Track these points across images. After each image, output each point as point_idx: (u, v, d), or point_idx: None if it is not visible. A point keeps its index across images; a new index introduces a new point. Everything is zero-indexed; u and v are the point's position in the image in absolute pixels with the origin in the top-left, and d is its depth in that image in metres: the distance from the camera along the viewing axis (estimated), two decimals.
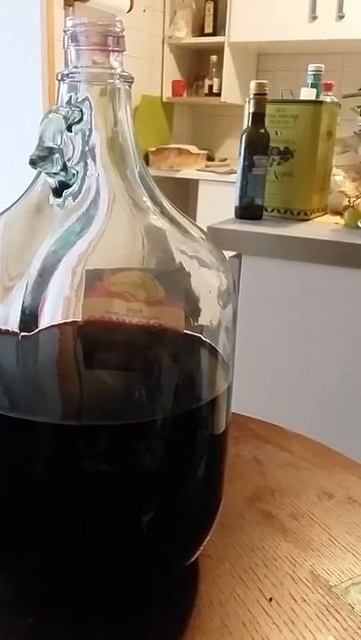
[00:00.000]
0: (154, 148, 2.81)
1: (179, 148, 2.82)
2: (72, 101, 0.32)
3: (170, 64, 3.04)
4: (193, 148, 2.87)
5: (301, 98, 1.28)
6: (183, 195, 2.93)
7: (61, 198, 0.31)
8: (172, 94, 3.07)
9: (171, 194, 0.35)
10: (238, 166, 1.16)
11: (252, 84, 1.13)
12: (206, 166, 2.89)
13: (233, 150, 2.98)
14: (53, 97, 2.39)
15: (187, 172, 2.80)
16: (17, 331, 0.30)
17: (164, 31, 2.96)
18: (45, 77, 2.38)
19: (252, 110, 1.13)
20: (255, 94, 1.12)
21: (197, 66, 3.15)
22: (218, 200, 2.32)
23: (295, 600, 0.37)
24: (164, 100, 3.06)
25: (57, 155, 0.29)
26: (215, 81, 2.96)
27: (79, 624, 0.35)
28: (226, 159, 3.07)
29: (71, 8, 2.39)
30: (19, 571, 0.37)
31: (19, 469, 0.33)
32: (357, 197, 1.18)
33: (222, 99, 2.90)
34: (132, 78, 0.33)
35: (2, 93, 2.48)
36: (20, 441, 0.33)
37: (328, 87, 1.35)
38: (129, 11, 2.53)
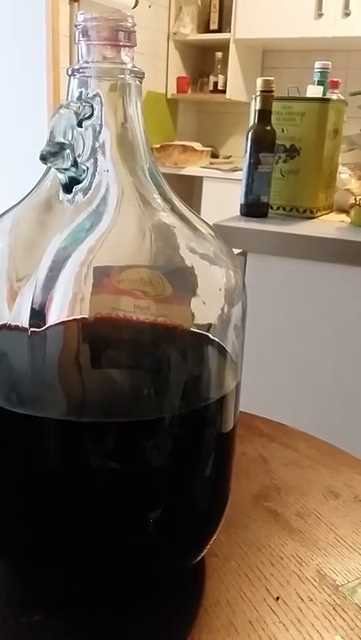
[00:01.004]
0: (158, 145, 2.80)
1: (183, 145, 2.82)
2: (83, 97, 0.31)
3: (175, 60, 3.03)
4: (197, 145, 2.87)
5: (308, 95, 1.27)
6: (187, 192, 2.92)
7: (71, 194, 0.31)
8: (176, 91, 3.06)
9: (175, 190, 0.35)
10: (244, 163, 1.15)
11: (259, 81, 1.12)
12: (211, 163, 2.89)
13: (237, 147, 2.98)
14: (58, 92, 2.39)
15: (191, 169, 2.80)
16: (26, 327, 0.30)
17: (170, 27, 2.95)
18: (50, 72, 2.37)
19: (258, 107, 1.13)
20: (262, 91, 1.12)
21: (202, 62, 3.14)
22: (222, 197, 2.31)
23: (302, 599, 0.37)
24: (169, 96, 3.06)
25: (68, 150, 0.29)
26: (220, 78, 2.96)
27: (85, 622, 0.35)
28: (230, 156, 3.06)
29: (76, 3, 2.38)
30: (24, 568, 0.37)
31: (27, 466, 0.33)
32: None
33: (227, 95, 2.89)
34: (143, 74, 0.33)
35: (7, 88, 2.47)
36: (27, 437, 0.32)
37: (335, 85, 1.35)
38: (134, 6, 2.52)
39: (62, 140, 0.29)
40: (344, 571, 0.40)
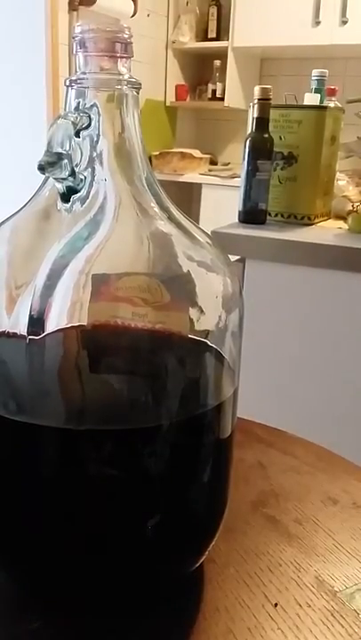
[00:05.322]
0: (157, 152, 2.82)
1: (182, 152, 2.83)
2: (80, 107, 0.32)
3: (173, 68, 3.05)
4: (196, 152, 2.88)
5: (305, 103, 1.28)
6: (186, 199, 2.93)
7: (69, 203, 0.32)
8: (175, 99, 3.08)
9: (174, 198, 0.35)
10: (242, 171, 1.16)
11: (257, 89, 1.13)
12: (209, 170, 2.90)
13: (236, 154, 2.99)
14: (57, 101, 2.40)
15: (190, 176, 2.81)
16: (25, 334, 0.31)
17: (168, 36, 2.97)
18: (50, 82, 2.39)
19: (256, 115, 1.13)
20: (259, 99, 1.12)
21: (201, 70, 3.16)
22: (221, 204, 2.32)
23: (300, 605, 0.37)
24: (168, 104, 3.07)
25: (65, 160, 0.30)
26: (218, 85, 2.97)
27: (84, 629, 0.35)
28: (229, 163, 3.07)
29: (75, 13, 2.40)
30: (24, 575, 0.37)
31: (25, 473, 0.33)
32: None
33: (225, 103, 2.90)
34: (140, 84, 0.33)
35: (6, 98, 2.48)
36: (26, 444, 0.33)
37: (332, 92, 1.36)
38: (133, 15, 2.54)
39: (60, 150, 0.30)
40: (342, 577, 0.40)
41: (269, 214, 1.20)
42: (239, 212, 1.19)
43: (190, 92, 3.14)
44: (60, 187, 0.31)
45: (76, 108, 0.32)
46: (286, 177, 1.18)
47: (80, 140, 0.31)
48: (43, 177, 0.32)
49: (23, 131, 2.44)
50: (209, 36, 2.97)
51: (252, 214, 1.17)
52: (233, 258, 1.12)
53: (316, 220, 1.22)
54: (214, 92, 3.00)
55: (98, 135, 0.32)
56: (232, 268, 0.37)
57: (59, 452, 0.33)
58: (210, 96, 3.04)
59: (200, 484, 0.36)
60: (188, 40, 2.94)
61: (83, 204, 0.32)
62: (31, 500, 0.33)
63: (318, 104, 1.27)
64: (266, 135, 1.14)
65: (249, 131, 1.15)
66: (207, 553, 0.38)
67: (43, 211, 0.33)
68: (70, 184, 0.31)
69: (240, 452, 0.53)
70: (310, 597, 0.38)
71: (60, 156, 0.29)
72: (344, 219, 1.21)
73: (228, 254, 0.37)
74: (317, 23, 2.57)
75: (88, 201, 0.32)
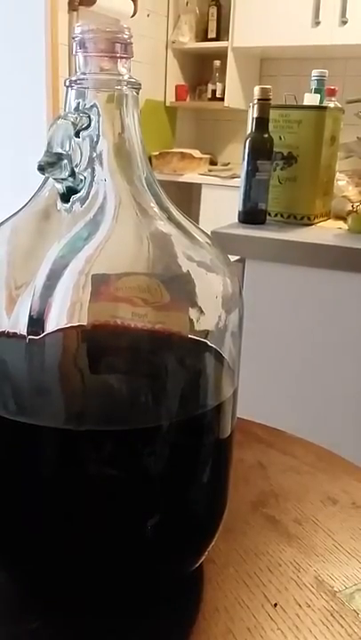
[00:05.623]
0: (157, 153, 2.82)
1: (182, 153, 2.83)
2: (80, 108, 0.32)
3: (173, 69, 3.05)
4: (196, 153, 2.88)
5: (305, 103, 1.28)
6: (186, 199, 2.93)
7: (69, 204, 0.32)
8: (175, 99, 3.08)
9: (174, 198, 0.35)
10: (242, 171, 1.16)
11: (257, 89, 1.13)
12: (209, 170, 2.90)
13: (236, 154, 2.99)
14: (57, 101, 2.40)
15: (190, 177, 2.81)
16: (24, 334, 0.31)
17: (168, 36, 2.97)
18: (50, 82, 2.39)
19: (255, 115, 1.13)
20: (259, 99, 1.13)
21: (201, 70, 3.16)
22: (221, 204, 2.32)
23: (300, 605, 0.37)
24: (168, 104, 3.08)
25: (65, 160, 0.30)
26: (218, 85, 2.97)
27: (84, 629, 0.35)
28: (229, 163, 3.07)
29: (75, 13, 2.40)
30: (24, 575, 0.37)
31: (25, 473, 0.33)
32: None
33: (225, 103, 2.91)
34: (140, 85, 0.33)
35: (6, 98, 2.48)
36: (26, 445, 0.33)
37: (332, 92, 1.36)
38: (133, 15, 2.54)
39: (60, 151, 0.30)
40: (342, 577, 0.40)
41: (269, 214, 1.20)
42: (239, 212, 1.19)
43: (190, 93, 3.14)
44: (60, 187, 0.31)
45: (76, 109, 0.32)
46: (286, 177, 1.18)
47: (80, 140, 0.31)
48: (42, 177, 0.32)
49: (23, 131, 2.44)
50: (209, 37, 2.98)
51: (251, 214, 1.17)
52: (233, 258, 1.12)
53: (316, 221, 1.22)
54: (214, 92, 3.00)
55: (98, 135, 0.32)
56: (232, 268, 0.37)
57: (59, 453, 0.33)
58: (210, 96, 3.04)
59: (200, 485, 0.36)
60: (187, 40, 2.94)
61: (82, 204, 0.32)
62: (31, 500, 0.33)
63: (318, 104, 1.27)
64: (266, 135, 1.14)
65: (249, 131, 1.15)
66: (207, 553, 0.38)
67: (42, 211, 0.33)
68: (70, 184, 0.31)
69: (240, 452, 0.54)
70: (310, 597, 0.38)
71: (59, 157, 0.29)
72: (344, 219, 1.21)
73: (227, 254, 0.37)
74: (317, 23, 2.57)
75: (88, 201, 0.32)
